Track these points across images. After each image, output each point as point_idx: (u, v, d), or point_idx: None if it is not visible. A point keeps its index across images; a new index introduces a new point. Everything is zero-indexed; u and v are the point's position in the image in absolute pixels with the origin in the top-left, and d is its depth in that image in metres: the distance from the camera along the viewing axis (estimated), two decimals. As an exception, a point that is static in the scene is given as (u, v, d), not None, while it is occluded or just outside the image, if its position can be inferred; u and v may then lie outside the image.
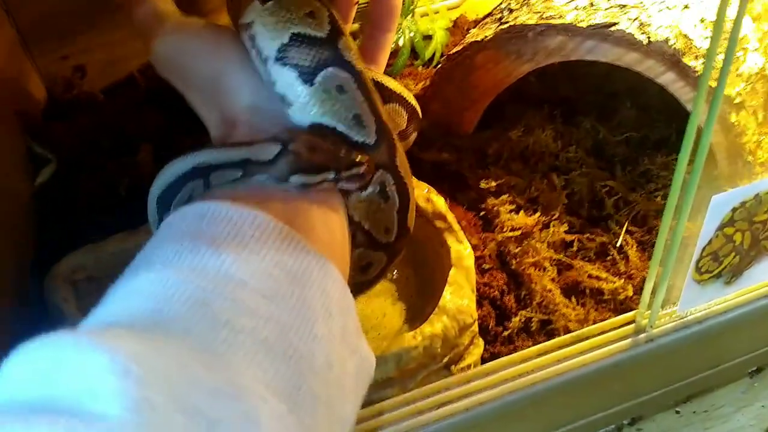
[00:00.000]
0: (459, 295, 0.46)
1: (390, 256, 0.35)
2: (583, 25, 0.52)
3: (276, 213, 0.27)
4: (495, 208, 0.54)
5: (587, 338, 0.43)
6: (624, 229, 0.52)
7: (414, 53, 0.73)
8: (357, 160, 0.31)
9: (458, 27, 0.79)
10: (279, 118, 0.32)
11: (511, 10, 0.59)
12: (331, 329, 0.26)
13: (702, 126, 0.38)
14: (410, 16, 0.69)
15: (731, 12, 0.34)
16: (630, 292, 0.48)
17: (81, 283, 0.48)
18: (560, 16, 0.54)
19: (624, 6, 0.54)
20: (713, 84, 0.39)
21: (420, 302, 0.50)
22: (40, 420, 0.17)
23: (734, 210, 0.38)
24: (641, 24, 0.52)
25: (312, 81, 0.31)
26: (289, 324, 0.24)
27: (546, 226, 0.53)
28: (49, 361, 0.20)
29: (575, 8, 0.54)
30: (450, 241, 0.50)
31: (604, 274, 0.50)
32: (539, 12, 0.55)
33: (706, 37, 0.55)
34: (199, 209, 0.27)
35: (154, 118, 0.62)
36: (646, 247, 0.52)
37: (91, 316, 0.24)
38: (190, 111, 0.36)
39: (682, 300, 0.41)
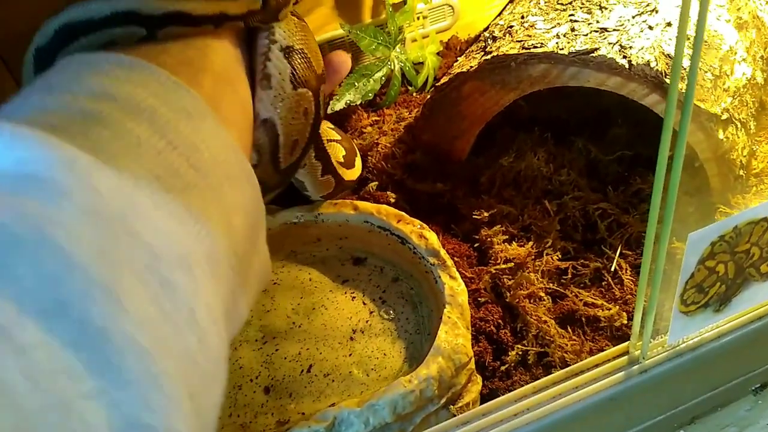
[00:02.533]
0: (454, 334, 0.47)
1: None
2: (565, 52, 0.53)
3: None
4: (488, 239, 0.55)
5: (582, 372, 0.43)
6: (617, 253, 0.53)
7: (407, 81, 0.74)
8: None
9: (451, 49, 0.79)
10: None
11: (494, 38, 0.60)
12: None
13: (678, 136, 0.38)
14: (399, 46, 0.70)
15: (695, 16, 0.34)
16: (625, 319, 0.49)
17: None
18: (542, 45, 0.54)
19: (604, 30, 0.54)
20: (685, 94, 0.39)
21: (419, 339, 0.51)
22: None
23: (713, 244, 0.38)
24: (622, 47, 0.52)
25: None
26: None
27: (540, 254, 0.53)
28: None
29: (556, 36, 0.55)
30: (444, 277, 0.51)
31: (599, 301, 0.50)
32: (521, 41, 0.56)
33: (689, 55, 0.55)
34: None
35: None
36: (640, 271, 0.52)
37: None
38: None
39: (671, 331, 0.42)
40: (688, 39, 0.34)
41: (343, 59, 0.45)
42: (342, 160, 0.60)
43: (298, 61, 0.40)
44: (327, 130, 0.64)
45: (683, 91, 0.49)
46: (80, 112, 0.25)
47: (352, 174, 0.60)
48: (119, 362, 0.19)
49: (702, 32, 0.34)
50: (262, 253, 0.32)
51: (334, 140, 0.63)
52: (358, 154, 0.63)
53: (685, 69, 0.52)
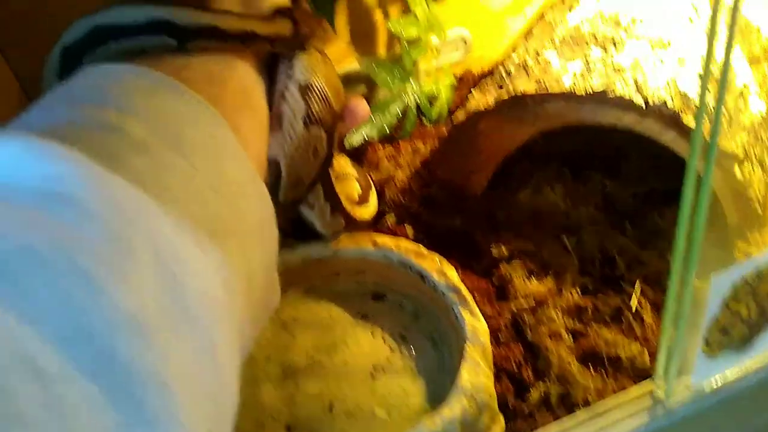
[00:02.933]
0: (476, 373, 0.47)
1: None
2: (581, 91, 0.53)
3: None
4: (508, 275, 0.55)
5: (605, 413, 0.44)
6: (637, 290, 0.53)
7: (421, 113, 0.75)
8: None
9: (464, 81, 0.80)
10: None
11: (509, 74, 0.61)
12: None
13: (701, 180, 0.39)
14: (414, 79, 0.71)
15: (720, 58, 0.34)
16: (647, 358, 0.49)
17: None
18: (558, 83, 0.55)
19: (620, 69, 0.55)
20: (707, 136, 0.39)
21: (441, 378, 0.51)
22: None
23: (735, 286, 0.38)
24: (638, 86, 0.53)
25: None
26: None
27: (560, 291, 0.53)
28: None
29: (572, 74, 0.55)
30: (465, 314, 0.51)
31: (620, 339, 0.50)
32: (537, 79, 0.56)
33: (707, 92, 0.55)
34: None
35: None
36: (661, 308, 0.52)
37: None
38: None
39: (695, 372, 0.42)
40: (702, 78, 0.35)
41: (363, 107, 0.46)
42: (356, 197, 0.60)
43: (315, 99, 0.40)
44: (344, 165, 0.64)
45: (696, 128, 0.49)
46: (106, 128, 0.25)
47: (366, 212, 0.60)
48: (142, 397, 0.18)
49: (725, 79, 0.34)
50: (273, 279, 0.32)
51: (350, 176, 0.63)
52: (374, 191, 0.64)
53: (698, 106, 0.53)
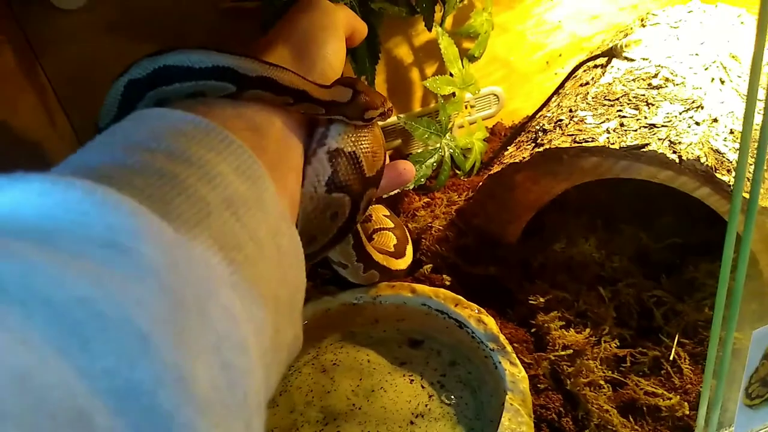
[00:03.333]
0: (517, 422, 0.47)
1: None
2: (616, 146, 0.56)
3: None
4: (545, 325, 0.56)
5: (648, 464, 0.44)
6: (675, 341, 0.53)
7: (455, 165, 0.77)
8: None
9: (496, 134, 0.83)
10: None
11: (545, 131, 0.63)
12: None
13: (741, 235, 0.40)
14: (449, 134, 0.74)
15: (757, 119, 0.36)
16: (687, 409, 0.49)
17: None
18: (593, 139, 0.57)
19: (653, 126, 0.57)
20: (746, 195, 0.41)
21: (479, 426, 0.52)
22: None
23: (779, 340, 0.39)
24: (671, 143, 0.55)
25: None
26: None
27: (597, 341, 0.54)
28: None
29: (606, 131, 0.58)
30: (504, 363, 0.52)
31: (659, 390, 0.51)
32: (572, 135, 0.59)
33: (737, 149, 0.57)
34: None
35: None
36: (699, 360, 0.52)
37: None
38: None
39: (736, 424, 0.42)
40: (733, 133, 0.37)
41: (408, 171, 0.47)
42: (392, 249, 0.62)
43: (344, 164, 0.41)
44: (382, 218, 0.67)
45: (731, 183, 0.51)
46: (158, 173, 0.26)
47: (402, 263, 0.62)
48: None
49: (765, 141, 0.36)
50: (297, 326, 0.32)
51: (386, 228, 0.65)
52: (410, 242, 0.66)
53: (732, 163, 0.54)
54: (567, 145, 0.58)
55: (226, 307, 0.24)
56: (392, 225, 0.66)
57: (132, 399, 0.18)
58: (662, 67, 0.63)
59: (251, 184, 0.29)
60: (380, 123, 0.80)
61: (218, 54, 0.36)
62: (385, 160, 0.45)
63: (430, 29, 0.70)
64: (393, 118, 0.79)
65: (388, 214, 0.67)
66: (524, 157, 0.61)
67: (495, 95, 0.83)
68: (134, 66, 0.36)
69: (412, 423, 0.53)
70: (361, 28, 0.47)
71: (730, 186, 0.53)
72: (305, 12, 0.43)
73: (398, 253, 0.62)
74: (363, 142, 0.42)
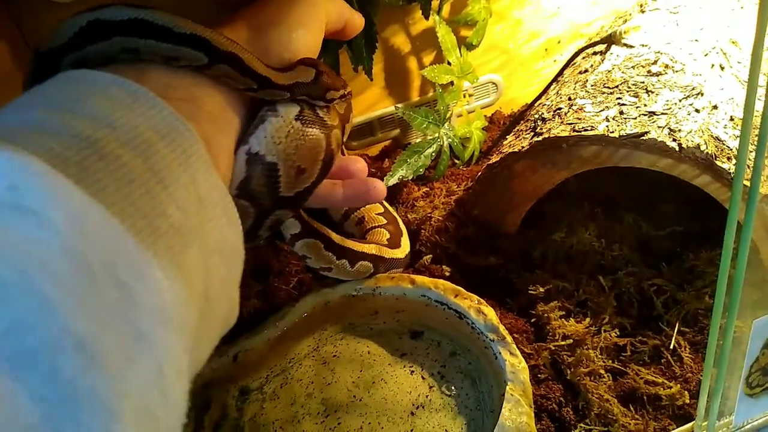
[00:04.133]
0: (517, 412, 0.47)
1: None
2: (615, 135, 0.55)
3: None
4: (545, 315, 0.56)
5: (648, 453, 0.44)
6: (675, 330, 0.53)
7: (454, 155, 0.77)
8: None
9: (494, 123, 0.83)
10: None
11: (544, 119, 0.63)
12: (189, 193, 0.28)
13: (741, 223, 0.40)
14: (447, 123, 0.74)
15: (757, 106, 0.36)
16: (687, 398, 0.49)
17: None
18: (592, 128, 0.56)
19: (653, 114, 0.56)
20: (747, 183, 0.41)
21: (480, 416, 0.52)
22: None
23: (780, 328, 0.39)
24: (671, 131, 0.54)
25: None
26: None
27: (598, 331, 0.54)
28: None
29: (606, 119, 0.57)
30: (504, 353, 0.52)
31: (659, 379, 0.51)
32: (572, 123, 0.58)
33: (737, 137, 0.57)
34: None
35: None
36: (699, 348, 0.52)
37: None
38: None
39: (737, 413, 0.42)
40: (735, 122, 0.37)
41: (378, 190, 0.45)
42: (385, 242, 0.62)
43: (258, 174, 0.37)
44: (374, 216, 0.67)
45: (731, 170, 0.50)
46: (79, 137, 0.25)
47: (398, 253, 0.62)
48: (79, 418, 0.18)
49: (766, 129, 0.36)
50: (233, 296, 0.31)
51: (379, 226, 0.65)
52: (404, 234, 0.65)
53: (732, 150, 0.54)
54: (566, 133, 0.57)
55: (144, 275, 0.23)
56: (384, 221, 0.66)
57: (29, 365, 0.18)
58: (662, 53, 0.63)
59: (181, 153, 0.28)
60: (376, 114, 0.79)
61: (196, 24, 0.35)
62: (320, 175, 0.41)
63: (427, 17, 0.69)
64: (390, 108, 0.79)
65: (382, 211, 0.67)
66: (523, 147, 0.60)
67: (494, 83, 0.82)
68: (108, 8, 0.34)
69: (412, 414, 0.53)
70: (357, 20, 0.45)
71: (730, 174, 0.53)
72: None
73: (393, 245, 0.62)
74: (291, 153, 0.37)
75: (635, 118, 0.56)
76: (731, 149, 0.54)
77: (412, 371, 0.56)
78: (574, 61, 0.74)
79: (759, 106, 0.36)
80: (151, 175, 0.26)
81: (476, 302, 0.56)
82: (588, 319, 0.55)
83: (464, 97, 0.80)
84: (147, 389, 0.22)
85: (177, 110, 0.29)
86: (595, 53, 0.71)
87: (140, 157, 0.26)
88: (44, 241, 0.20)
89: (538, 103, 0.73)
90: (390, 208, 0.69)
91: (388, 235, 0.64)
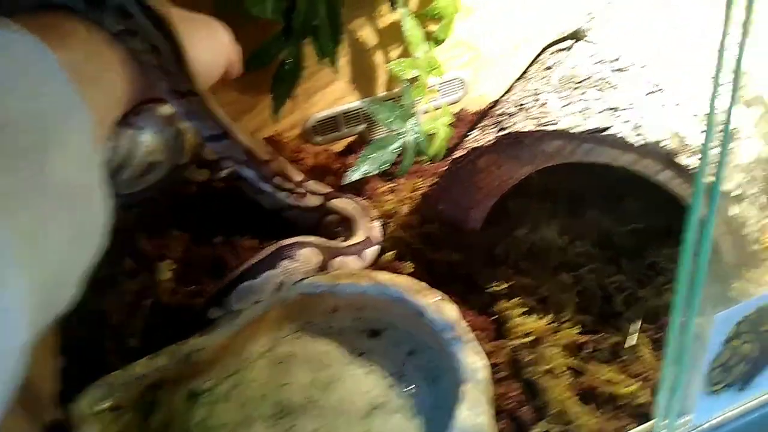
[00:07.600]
0: (476, 412, 0.46)
1: None
2: (579, 130, 0.54)
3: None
4: (507, 312, 0.55)
5: (607, 453, 0.43)
6: (636, 327, 0.53)
7: (420, 151, 0.76)
8: None
9: (461, 120, 0.82)
10: None
11: (509, 114, 0.62)
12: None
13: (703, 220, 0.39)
14: (412, 118, 0.72)
15: (721, 104, 0.35)
16: (647, 396, 0.48)
17: (105, 414, 0.49)
18: (556, 122, 0.56)
19: (616, 109, 0.56)
20: (711, 179, 0.40)
21: (439, 416, 0.51)
22: None
23: (738, 324, 0.38)
24: (634, 126, 0.54)
25: None
26: None
27: (558, 328, 0.53)
28: None
29: (570, 113, 0.56)
30: (464, 352, 0.50)
31: (619, 377, 0.50)
32: (536, 118, 0.57)
33: (702, 132, 0.56)
34: None
35: (175, 236, 0.65)
36: (659, 345, 0.52)
37: None
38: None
39: (696, 411, 0.41)
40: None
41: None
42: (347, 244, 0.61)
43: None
44: (343, 206, 0.65)
45: (693, 167, 0.50)
46: None
47: (354, 239, 0.61)
48: None
49: (729, 126, 0.35)
50: (96, 207, 0.31)
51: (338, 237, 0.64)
52: (357, 224, 0.64)
53: (702, 150, 0.53)
54: (531, 128, 0.57)
55: None
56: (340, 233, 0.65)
57: None
58: (627, 49, 0.62)
59: (23, 71, 0.28)
60: (342, 109, 0.77)
61: None
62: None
63: (394, 7, 0.68)
64: (356, 102, 0.77)
65: (337, 206, 0.66)
66: (488, 141, 0.59)
67: (460, 80, 0.81)
68: None
69: (369, 414, 0.52)
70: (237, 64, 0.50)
71: (691, 170, 0.53)
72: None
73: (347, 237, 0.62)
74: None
75: (599, 113, 0.55)
76: (694, 145, 0.54)
77: (371, 371, 0.55)
78: (540, 57, 0.73)
79: (724, 102, 0.36)
80: None
81: (437, 299, 0.54)
82: (549, 316, 0.54)
83: (431, 93, 0.79)
84: None
85: (34, 32, 0.29)
86: (560, 50, 0.71)
87: None
88: None
89: (503, 98, 0.72)
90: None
91: (344, 238, 0.63)
